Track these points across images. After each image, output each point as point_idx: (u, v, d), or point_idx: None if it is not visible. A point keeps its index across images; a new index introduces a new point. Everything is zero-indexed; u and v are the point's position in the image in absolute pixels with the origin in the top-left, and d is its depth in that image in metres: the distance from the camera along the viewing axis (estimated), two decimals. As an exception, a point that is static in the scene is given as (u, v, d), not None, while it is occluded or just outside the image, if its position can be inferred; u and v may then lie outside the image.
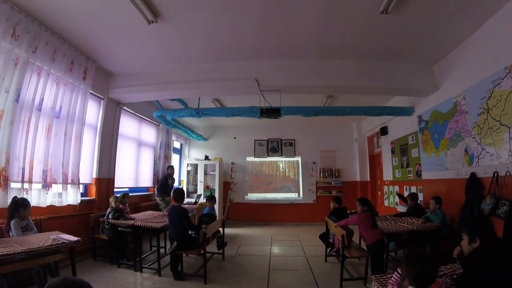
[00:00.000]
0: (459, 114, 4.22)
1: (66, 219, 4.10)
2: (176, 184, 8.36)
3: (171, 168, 6.87)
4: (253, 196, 8.99)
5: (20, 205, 3.08)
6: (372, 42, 4.18)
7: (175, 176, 8.42)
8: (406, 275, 1.50)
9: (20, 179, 3.38)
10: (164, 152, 7.29)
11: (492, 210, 3.40)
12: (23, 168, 3.42)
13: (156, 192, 6.61)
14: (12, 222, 3.01)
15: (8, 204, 3.10)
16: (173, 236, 3.80)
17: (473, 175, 3.87)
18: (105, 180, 5.09)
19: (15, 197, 3.12)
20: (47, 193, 3.76)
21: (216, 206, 7.81)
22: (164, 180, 6.69)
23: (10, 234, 3.01)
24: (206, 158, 8.68)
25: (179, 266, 3.80)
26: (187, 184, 8.56)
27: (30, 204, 3.21)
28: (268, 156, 9.15)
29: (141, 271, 3.94)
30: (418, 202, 4.98)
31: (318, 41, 4.17)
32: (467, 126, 4.04)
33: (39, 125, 3.69)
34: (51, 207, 3.82)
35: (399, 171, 6.37)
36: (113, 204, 4.34)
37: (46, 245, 2.65)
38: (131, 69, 5.10)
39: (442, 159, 4.67)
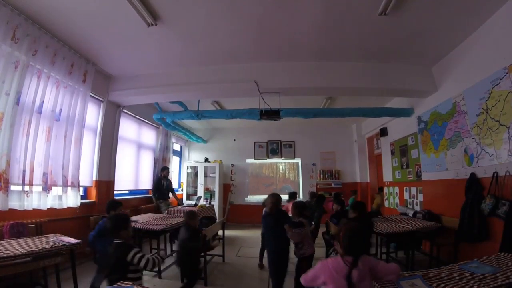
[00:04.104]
0: (458, 115, 4.23)
1: (66, 221, 4.09)
2: (176, 186, 8.37)
3: (166, 170, 6.80)
4: (253, 198, 8.98)
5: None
6: (371, 44, 4.20)
7: (175, 178, 8.46)
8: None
9: (20, 182, 3.38)
10: (163, 155, 7.29)
11: (492, 210, 3.40)
12: (24, 171, 3.42)
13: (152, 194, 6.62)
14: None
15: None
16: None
17: (472, 175, 3.87)
18: (105, 183, 5.09)
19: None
20: (47, 195, 3.75)
21: (216, 208, 7.83)
22: (157, 182, 6.64)
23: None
24: (206, 160, 8.69)
25: None
26: (187, 186, 8.54)
27: None
28: (268, 158, 9.16)
29: (141, 274, 3.93)
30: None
31: (317, 43, 4.19)
32: (466, 126, 4.05)
33: (39, 128, 3.69)
34: (51, 210, 3.82)
35: (399, 172, 6.37)
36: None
37: (46, 247, 2.65)
38: (131, 71, 5.11)
39: (441, 159, 4.67)
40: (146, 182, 6.82)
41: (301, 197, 8.72)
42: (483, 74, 3.67)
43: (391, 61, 4.71)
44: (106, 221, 2.67)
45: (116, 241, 2.27)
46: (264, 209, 3.53)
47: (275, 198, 3.10)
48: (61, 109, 4.03)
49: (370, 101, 6.27)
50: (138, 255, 2.21)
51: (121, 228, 2.31)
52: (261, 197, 8.98)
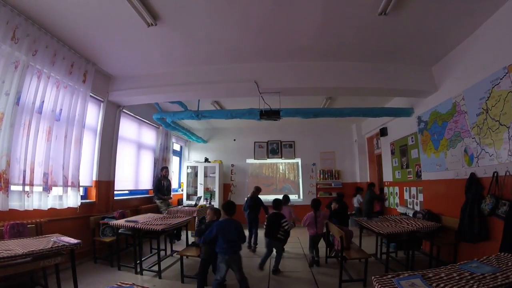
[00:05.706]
0: (458, 115, 4.23)
1: (66, 221, 4.10)
2: (176, 186, 8.37)
3: (165, 169, 6.82)
4: (253, 198, 8.96)
5: None
6: (371, 44, 4.20)
7: (175, 178, 8.46)
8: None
9: (21, 182, 3.38)
10: (162, 155, 7.29)
11: (492, 210, 3.40)
12: (24, 171, 3.42)
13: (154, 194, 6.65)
14: None
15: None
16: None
17: (472, 175, 3.87)
18: (105, 183, 5.09)
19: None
20: (48, 196, 3.75)
21: (216, 208, 7.81)
22: (157, 182, 6.67)
23: None
24: (206, 160, 8.69)
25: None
26: (187, 186, 8.54)
27: None
28: (268, 158, 9.17)
29: (142, 274, 3.94)
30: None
31: (317, 43, 4.19)
32: (466, 126, 4.05)
33: (40, 128, 3.69)
34: (51, 210, 3.82)
35: (399, 172, 6.37)
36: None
37: (46, 247, 2.64)
38: (131, 71, 5.11)
39: (441, 159, 4.67)
40: (146, 182, 6.82)
41: (301, 197, 8.74)
42: (483, 74, 3.67)
43: (391, 61, 4.71)
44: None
45: (274, 211, 4.35)
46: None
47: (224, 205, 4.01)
48: (61, 109, 4.03)
49: (370, 101, 6.27)
50: (286, 222, 4.15)
51: (281, 205, 4.50)
52: (261, 197, 8.97)
